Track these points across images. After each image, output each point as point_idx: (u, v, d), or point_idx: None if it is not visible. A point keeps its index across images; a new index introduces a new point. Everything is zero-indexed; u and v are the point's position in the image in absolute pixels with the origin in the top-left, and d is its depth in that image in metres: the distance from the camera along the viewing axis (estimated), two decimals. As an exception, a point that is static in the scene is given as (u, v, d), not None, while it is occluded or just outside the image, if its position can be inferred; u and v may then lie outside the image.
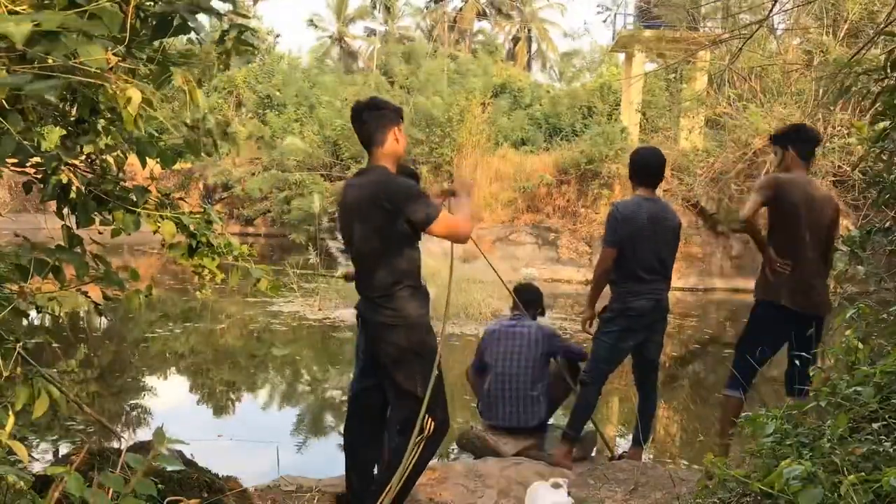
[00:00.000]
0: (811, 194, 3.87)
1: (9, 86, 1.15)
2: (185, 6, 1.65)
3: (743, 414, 2.39)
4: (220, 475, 3.19)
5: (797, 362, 3.53)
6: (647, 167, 4.16)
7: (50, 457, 4.56)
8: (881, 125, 3.00)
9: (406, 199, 2.90)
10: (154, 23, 1.69)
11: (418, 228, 2.93)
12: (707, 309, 13.23)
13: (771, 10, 4.84)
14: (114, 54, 1.44)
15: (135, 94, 1.39)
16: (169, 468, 1.47)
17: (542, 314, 4.83)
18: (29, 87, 1.15)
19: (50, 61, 1.32)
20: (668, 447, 5.50)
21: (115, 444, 4.26)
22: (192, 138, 2.14)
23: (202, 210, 2.28)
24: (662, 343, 4.37)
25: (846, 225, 13.35)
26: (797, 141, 3.94)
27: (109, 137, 2.23)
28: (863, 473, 1.68)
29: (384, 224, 2.91)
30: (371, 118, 3.02)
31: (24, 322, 2.14)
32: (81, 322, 8.83)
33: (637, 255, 4.10)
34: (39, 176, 2.08)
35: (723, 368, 6.76)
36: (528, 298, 4.75)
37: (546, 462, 4.19)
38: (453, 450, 4.87)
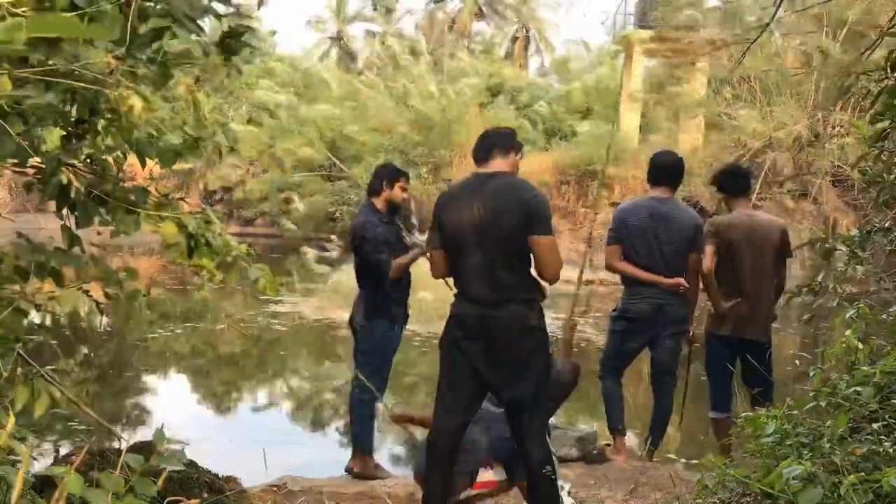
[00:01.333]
0: (749, 229, 4.10)
1: (12, 99, 1.15)
2: (183, 3, 1.65)
3: (743, 414, 2.39)
4: (220, 475, 3.19)
5: (754, 387, 4.03)
6: (656, 168, 4.27)
7: (50, 457, 4.56)
8: (881, 125, 3.00)
9: None
10: (153, 27, 1.69)
11: None
12: (707, 309, 13.22)
13: (773, 17, 4.84)
14: (114, 56, 1.44)
15: (137, 103, 1.38)
16: (169, 468, 1.46)
17: None
18: (31, 101, 1.15)
19: (50, 62, 1.32)
20: (669, 447, 5.49)
21: (115, 445, 4.26)
22: (200, 149, 2.14)
23: (201, 210, 2.27)
24: (678, 350, 4.34)
25: (846, 225, 13.35)
26: (728, 182, 4.25)
27: (109, 138, 2.23)
28: (863, 473, 1.68)
29: None
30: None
31: (25, 322, 2.13)
32: (82, 322, 8.82)
33: (637, 255, 4.12)
34: (39, 177, 2.07)
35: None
36: None
37: (596, 460, 4.27)
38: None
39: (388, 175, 4.20)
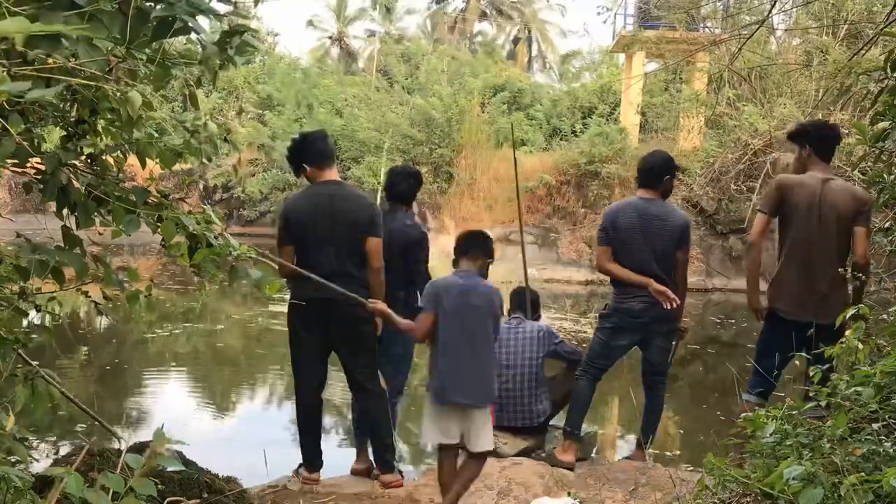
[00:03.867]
0: (821, 194, 3.66)
1: (9, 92, 1.15)
2: (184, 7, 1.65)
3: (743, 414, 2.39)
4: (220, 475, 3.19)
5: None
6: (641, 168, 4.31)
7: (50, 457, 4.56)
8: (881, 125, 3.00)
9: None
10: (154, 24, 1.69)
11: None
12: (707, 309, 13.23)
13: (770, 11, 4.85)
14: (114, 55, 1.44)
15: (135, 97, 1.38)
16: (169, 468, 1.46)
17: (538, 318, 4.84)
18: (30, 94, 1.14)
19: (50, 62, 1.32)
20: (669, 447, 5.49)
21: (116, 445, 4.26)
22: (193, 144, 2.14)
23: (202, 210, 2.27)
24: (669, 348, 4.33)
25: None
26: (815, 139, 3.80)
27: (109, 138, 2.23)
28: (863, 474, 1.68)
29: None
30: None
31: (24, 322, 2.13)
32: (81, 322, 8.82)
33: (626, 256, 4.14)
34: (39, 177, 2.07)
35: (723, 368, 6.75)
36: (524, 301, 4.79)
37: (547, 461, 4.18)
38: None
39: (420, 181, 4.32)
